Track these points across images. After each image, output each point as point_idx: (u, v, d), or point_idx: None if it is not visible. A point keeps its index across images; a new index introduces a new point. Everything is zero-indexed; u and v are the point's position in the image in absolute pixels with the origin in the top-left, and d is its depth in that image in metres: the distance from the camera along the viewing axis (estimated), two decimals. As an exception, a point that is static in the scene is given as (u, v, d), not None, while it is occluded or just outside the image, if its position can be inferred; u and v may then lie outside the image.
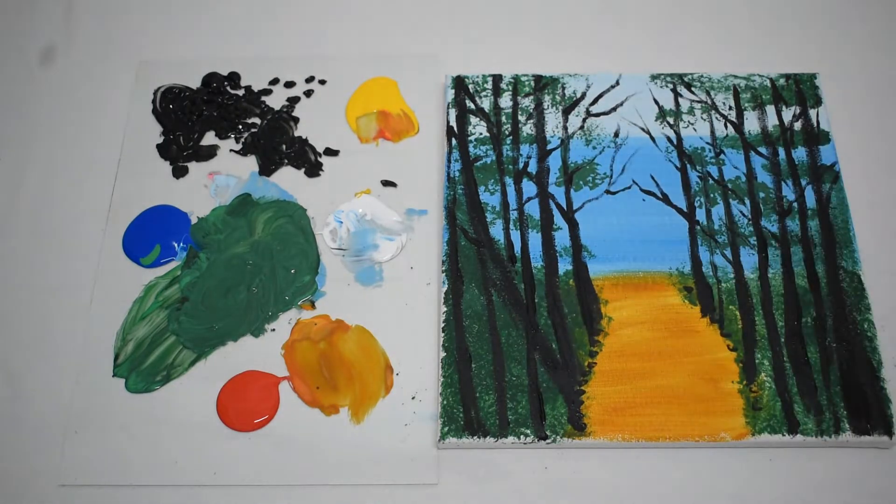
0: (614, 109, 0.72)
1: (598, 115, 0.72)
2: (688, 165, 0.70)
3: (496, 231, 0.67)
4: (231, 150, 0.73)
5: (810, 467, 0.60)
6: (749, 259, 0.66)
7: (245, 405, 0.62)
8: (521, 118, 0.72)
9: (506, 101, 0.73)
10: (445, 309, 0.64)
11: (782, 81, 0.73)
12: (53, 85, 0.77)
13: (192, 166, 0.72)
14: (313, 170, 0.71)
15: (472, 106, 0.73)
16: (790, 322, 0.63)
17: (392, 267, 0.67)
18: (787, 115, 0.72)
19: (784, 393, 0.61)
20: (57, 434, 0.62)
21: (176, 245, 0.68)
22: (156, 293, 0.66)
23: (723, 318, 0.64)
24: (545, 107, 0.73)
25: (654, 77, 0.74)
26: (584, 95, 0.73)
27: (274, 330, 0.65)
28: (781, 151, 0.70)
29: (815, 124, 0.71)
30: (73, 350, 0.65)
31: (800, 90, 0.73)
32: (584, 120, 0.72)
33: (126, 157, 0.73)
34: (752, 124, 0.71)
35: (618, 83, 0.74)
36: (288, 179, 0.71)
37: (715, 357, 0.62)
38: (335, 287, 0.66)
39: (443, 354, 0.63)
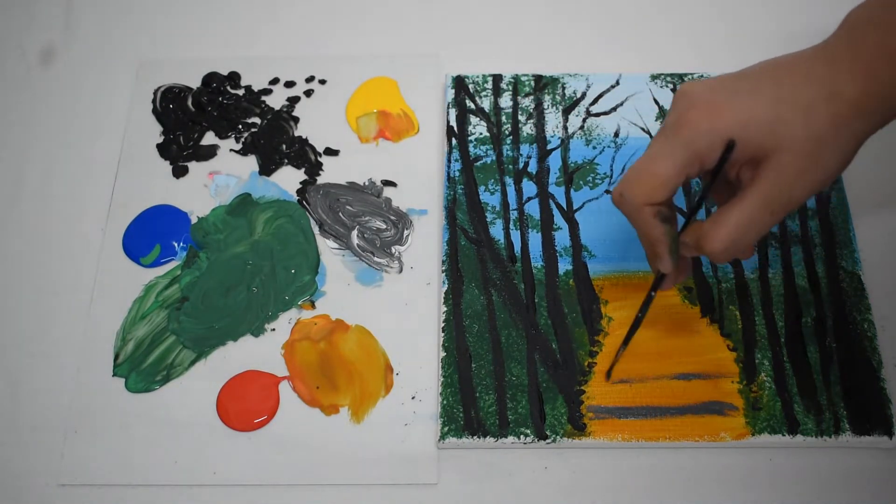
0: (614, 109, 0.72)
1: (598, 114, 0.72)
2: (688, 165, 0.69)
3: (496, 231, 0.67)
4: (231, 150, 0.73)
5: (810, 467, 0.60)
6: (749, 259, 0.66)
7: (245, 405, 0.62)
8: (522, 118, 0.72)
9: (506, 101, 0.73)
10: (445, 309, 0.64)
11: (782, 81, 0.73)
12: (53, 85, 0.77)
13: (192, 166, 0.72)
14: (313, 170, 0.71)
15: (473, 106, 0.73)
16: (790, 322, 0.63)
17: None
18: (788, 115, 0.72)
19: (784, 393, 0.61)
20: (57, 434, 0.62)
21: (176, 245, 0.68)
22: (156, 293, 0.66)
23: (723, 318, 0.64)
24: (545, 107, 0.73)
25: (654, 77, 0.74)
26: (584, 95, 0.73)
27: (274, 330, 0.65)
28: (781, 151, 0.70)
29: (816, 124, 0.71)
30: (73, 350, 0.65)
31: (800, 90, 0.73)
32: (584, 120, 0.72)
33: (126, 156, 0.73)
34: (752, 124, 0.71)
35: (618, 83, 0.74)
36: (287, 179, 0.71)
37: (715, 357, 0.62)
38: (335, 287, 0.66)
39: (443, 354, 0.63)
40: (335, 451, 0.60)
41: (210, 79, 0.76)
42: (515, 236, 0.67)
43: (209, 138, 0.73)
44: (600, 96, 0.73)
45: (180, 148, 0.73)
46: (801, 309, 0.64)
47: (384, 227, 0.69)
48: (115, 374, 0.64)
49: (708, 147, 0.48)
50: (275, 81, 0.76)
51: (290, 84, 0.76)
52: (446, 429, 0.60)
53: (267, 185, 0.71)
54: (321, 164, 0.72)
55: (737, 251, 0.50)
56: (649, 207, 0.50)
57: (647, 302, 0.57)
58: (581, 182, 0.69)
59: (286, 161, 0.72)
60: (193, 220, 0.69)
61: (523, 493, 0.59)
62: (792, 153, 0.48)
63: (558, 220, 0.68)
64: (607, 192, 0.69)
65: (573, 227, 0.67)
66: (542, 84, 0.74)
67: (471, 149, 0.71)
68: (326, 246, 0.68)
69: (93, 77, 0.77)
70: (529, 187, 0.69)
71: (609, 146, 0.71)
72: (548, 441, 0.60)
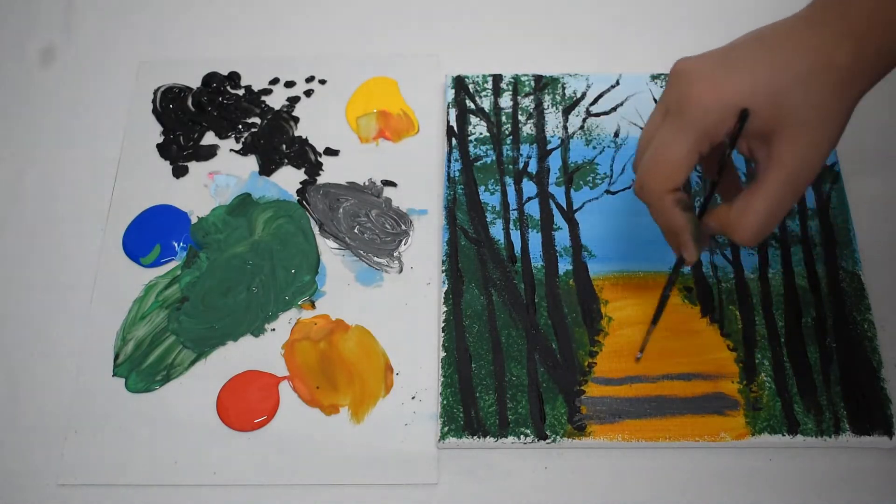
0: (614, 109, 0.72)
1: (598, 115, 0.72)
2: (688, 165, 0.69)
3: (496, 231, 0.67)
4: (231, 150, 0.73)
5: (810, 467, 0.60)
6: (749, 259, 0.66)
7: (245, 405, 0.62)
8: (522, 118, 0.72)
9: (506, 101, 0.73)
10: (445, 309, 0.64)
11: (782, 81, 0.73)
12: (53, 85, 0.77)
13: (192, 166, 0.72)
14: (313, 170, 0.71)
15: (473, 106, 0.73)
16: (790, 322, 0.63)
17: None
18: (788, 115, 0.71)
19: (784, 393, 0.61)
20: (57, 434, 0.62)
21: (176, 245, 0.68)
22: (156, 293, 0.66)
23: (723, 318, 0.64)
24: (545, 107, 0.73)
25: (654, 77, 0.74)
26: (584, 95, 0.73)
27: (274, 330, 0.65)
28: (781, 151, 0.70)
29: (816, 124, 0.71)
30: (73, 350, 0.65)
31: (800, 90, 0.73)
32: (584, 120, 0.72)
33: (126, 156, 0.73)
34: (752, 124, 0.71)
35: (618, 83, 0.74)
36: (287, 179, 0.71)
37: (715, 357, 0.62)
38: (335, 287, 0.66)
39: (443, 354, 0.63)
40: (335, 451, 0.60)
41: (210, 79, 0.76)
42: (515, 236, 0.67)
43: (209, 138, 0.73)
44: (600, 96, 0.73)
45: (180, 148, 0.73)
46: (801, 309, 0.64)
47: (384, 227, 0.69)
48: (115, 374, 0.64)
49: (717, 122, 0.48)
50: (275, 81, 0.76)
51: (290, 84, 0.76)
52: (446, 429, 0.60)
53: (267, 185, 0.71)
54: (321, 164, 0.72)
55: (767, 234, 0.51)
56: (670, 195, 0.50)
57: (671, 283, 0.57)
58: (581, 182, 0.69)
59: (286, 161, 0.72)
60: (193, 220, 0.69)
61: (523, 493, 0.59)
62: (800, 126, 0.48)
63: (558, 220, 0.68)
64: (608, 192, 0.69)
65: (573, 227, 0.67)
66: (542, 84, 0.74)
67: (471, 149, 0.71)
68: (326, 246, 0.68)
69: (93, 77, 0.77)
70: (529, 187, 0.69)
71: (609, 146, 0.71)
72: (548, 441, 0.60)
